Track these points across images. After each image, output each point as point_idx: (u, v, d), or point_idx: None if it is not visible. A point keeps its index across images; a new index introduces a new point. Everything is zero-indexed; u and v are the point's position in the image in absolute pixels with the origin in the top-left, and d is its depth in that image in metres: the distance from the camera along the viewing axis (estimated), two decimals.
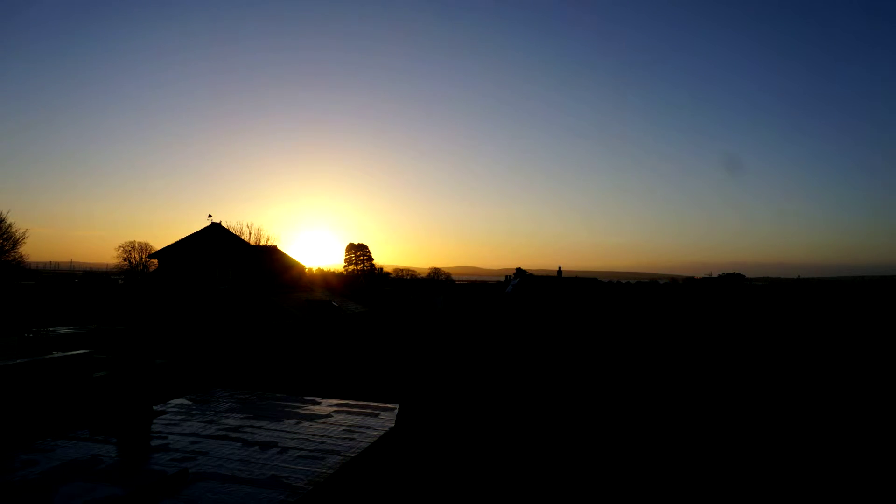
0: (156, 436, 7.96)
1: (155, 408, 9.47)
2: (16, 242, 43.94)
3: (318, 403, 10.26)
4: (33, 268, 63.71)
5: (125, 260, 59.43)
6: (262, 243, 50.72)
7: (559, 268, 79.14)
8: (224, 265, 33.22)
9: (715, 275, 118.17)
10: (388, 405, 10.28)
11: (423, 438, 7.38)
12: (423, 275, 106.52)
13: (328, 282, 60.56)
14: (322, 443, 7.79)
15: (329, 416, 9.36)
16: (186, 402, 10.14)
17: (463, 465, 7.07)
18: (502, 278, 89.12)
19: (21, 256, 44.90)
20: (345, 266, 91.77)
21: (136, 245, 59.84)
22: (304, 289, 36.70)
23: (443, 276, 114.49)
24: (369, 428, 8.65)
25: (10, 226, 43.55)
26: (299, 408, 9.85)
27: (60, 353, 9.50)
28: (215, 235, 35.35)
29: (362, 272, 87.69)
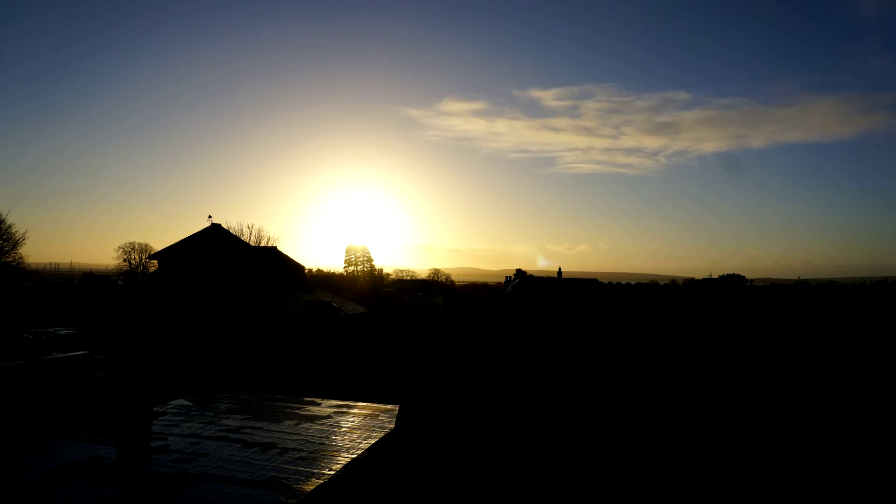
0: (156, 437, 7.95)
1: (155, 409, 9.47)
2: (16, 243, 43.98)
3: (318, 405, 10.26)
4: (33, 269, 63.71)
5: (125, 261, 59.47)
6: (263, 244, 50.82)
7: (559, 269, 79.19)
8: (224, 266, 33.22)
9: (715, 276, 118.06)
10: (389, 406, 10.27)
11: (423, 439, 7.38)
12: (424, 276, 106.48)
13: (328, 283, 60.62)
14: (322, 444, 7.78)
15: (329, 417, 9.35)
16: (186, 402, 10.13)
17: (463, 466, 7.06)
18: (503, 280, 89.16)
19: (21, 257, 44.94)
20: (345, 267, 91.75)
21: (136, 246, 59.88)
22: (304, 290, 36.69)
23: (443, 278, 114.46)
24: (369, 429, 8.65)
25: (10, 227, 43.60)
26: (299, 409, 9.85)
27: (60, 354, 9.50)
28: (215, 236, 35.35)
29: (362, 273, 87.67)
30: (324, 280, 68.58)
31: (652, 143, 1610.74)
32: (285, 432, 8.29)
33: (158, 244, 70.44)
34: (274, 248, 43.27)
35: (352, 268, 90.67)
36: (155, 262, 40.61)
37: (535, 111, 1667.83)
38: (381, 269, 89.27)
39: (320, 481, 6.37)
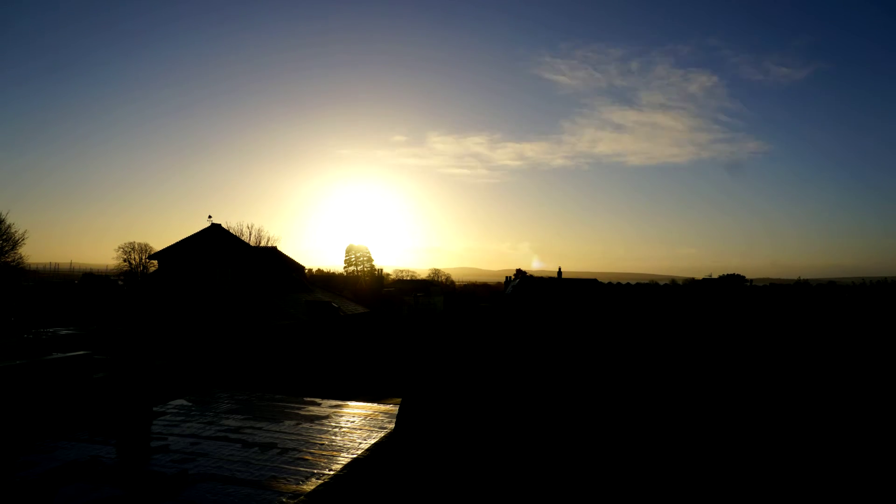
0: (155, 437, 7.95)
1: (155, 409, 9.46)
2: (15, 243, 43.95)
3: (318, 404, 10.26)
4: (33, 269, 63.67)
5: (125, 261, 59.45)
6: (263, 244, 50.79)
7: (559, 269, 79.14)
8: (224, 266, 33.20)
9: (715, 276, 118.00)
10: (388, 406, 10.27)
11: (424, 439, 7.40)
12: (424, 276, 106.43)
13: (328, 283, 60.62)
14: (322, 444, 7.78)
15: (329, 417, 9.35)
16: (186, 402, 10.13)
17: (464, 466, 7.06)
18: (503, 280, 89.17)
19: (21, 257, 44.91)
20: (345, 267, 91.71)
21: (136, 246, 59.83)
22: (304, 290, 36.68)
23: (443, 278, 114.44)
24: (369, 429, 8.65)
25: (9, 227, 43.58)
26: (299, 409, 9.85)
27: (60, 354, 9.50)
28: (215, 236, 35.32)
29: (362, 273, 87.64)
30: (324, 280, 68.55)
31: (520, 165, 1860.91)
32: (285, 432, 8.29)
33: (158, 244, 70.38)
34: (274, 248, 43.27)
35: (352, 268, 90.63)
36: (155, 262, 40.58)
37: (392, 144, 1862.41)
38: (382, 270, 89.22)
39: (320, 481, 6.37)
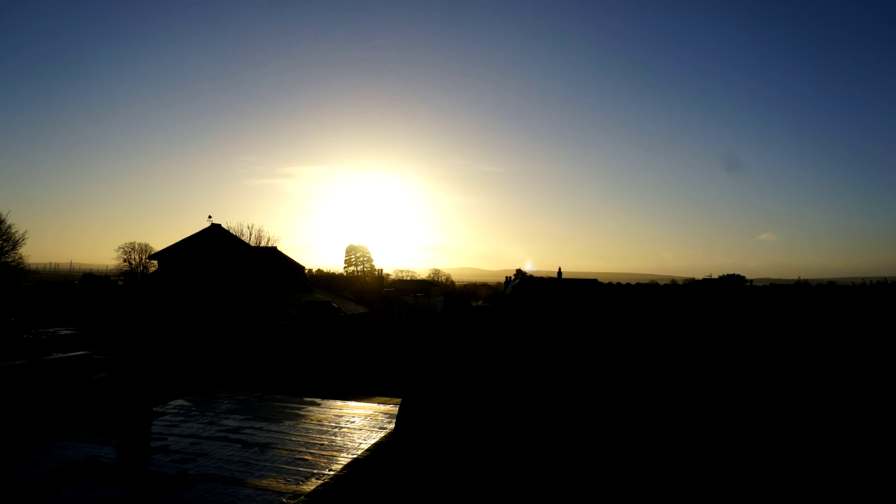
0: (155, 437, 7.95)
1: (155, 409, 9.46)
2: (16, 244, 43.97)
3: (318, 405, 10.26)
4: (33, 269, 63.69)
5: (125, 261, 59.46)
6: (263, 244, 50.84)
7: (559, 269, 79.10)
8: (224, 266, 33.17)
9: (715, 276, 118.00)
10: (388, 406, 10.27)
11: (424, 439, 7.40)
12: (424, 276, 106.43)
13: (328, 283, 60.57)
14: (322, 444, 7.78)
15: (329, 417, 9.35)
16: (186, 403, 10.13)
17: (464, 466, 7.06)
18: (503, 280, 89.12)
19: (21, 257, 44.93)
20: (345, 267, 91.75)
21: (136, 246, 59.85)
22: (304, 290, 36.68)
23: (443, 278, 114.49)
24: (369, 429, 8.65)
25: (9, 227, 43.60)
26: (299, 409, 9.85)
27: (60, 355, 9.49)
28: (215, 236, 35.30)
29: (363, 274, 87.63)
30: (324, 280, 68.55)
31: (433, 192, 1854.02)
32: (285, 432, 8.29)
33: (158, 244, 70.44)
34: (274, 248, 43.22)
35: (352, 268, 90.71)
36: (155, 262, 40.54)
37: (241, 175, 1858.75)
38: (382, 270, 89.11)
39: (320, 482, 6.37)
